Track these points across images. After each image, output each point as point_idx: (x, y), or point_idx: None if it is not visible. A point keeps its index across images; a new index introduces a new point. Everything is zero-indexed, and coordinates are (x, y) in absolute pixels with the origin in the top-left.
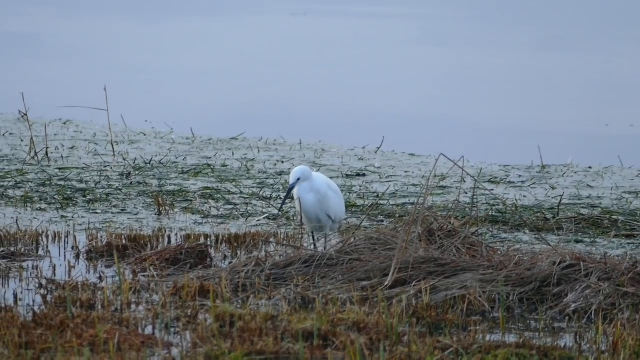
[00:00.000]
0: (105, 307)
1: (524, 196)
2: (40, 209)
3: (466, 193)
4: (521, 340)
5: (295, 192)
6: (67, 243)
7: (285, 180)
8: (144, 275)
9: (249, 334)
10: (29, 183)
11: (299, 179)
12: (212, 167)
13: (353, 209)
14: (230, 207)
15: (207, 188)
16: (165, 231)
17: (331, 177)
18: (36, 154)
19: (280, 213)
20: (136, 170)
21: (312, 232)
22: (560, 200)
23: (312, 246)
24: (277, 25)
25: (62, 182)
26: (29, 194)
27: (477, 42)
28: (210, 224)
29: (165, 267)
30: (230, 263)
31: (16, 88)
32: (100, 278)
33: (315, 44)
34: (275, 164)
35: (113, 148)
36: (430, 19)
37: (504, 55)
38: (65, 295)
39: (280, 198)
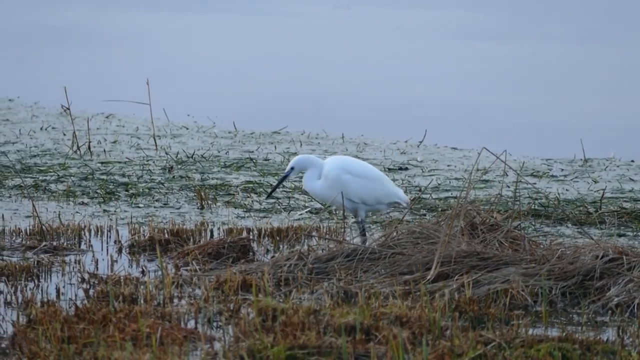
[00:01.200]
0: (148, 301)
1: (566, 190)
2: (83, 203)
3: (508, 187)
4: (564, 334)
5: (304, 182)
6: (110, 237)
7: None
8: (186, 270)
9: (291, 328)
10: (72, 177)
11: (292, 169)
12: (254, 161)
13: (395, 203)
14: (273, 201)
15: (250, 182)
16: (208, 225)
17: None
18: (78, 148)
19: (266, 200)
20: (178, 164)
21: (359, 220)
22: (603, 194)
23: (360, 235)
24: (320, 19)
25: (104, 176)
26: (71, 188)
27: (518, 35)
28: (253, 218)
29: (208, 261)
30: (272, 257)
31: (59, 82)
32: (142, 272)
33: (358, 37)
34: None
35: (155, 142)
36: (471, 11)
37: (545, 49)
38: (107, 289)
39: None
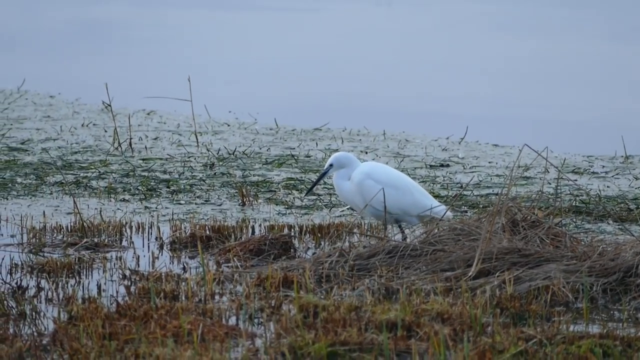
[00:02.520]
0: (189, 298)
1: (608, 186)
2: (124, 200)
3: (550, 183)
4: (605, 330)
5: (333, 178)
6: (151, 234)
7: None
8: (227, 266)
9: (332, 324)
10: (113, 174)
11: (331, 166)
12: (295, 157)
13: (437, 200)
14: (314, 197)
15: (291, 179)
16: (249, 222)
17: (415, 168)
18: (120, 144)
19: (306, 197)
20: (220, 161)
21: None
22: None
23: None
24: (361, 16)
25: (145, 173)
26: (112, 185)
27: (556, 30)
28: (294, 215)
29: (249, 258)
30: (313, 254)
31: (100, 79)
32: (183, 269)
33: (399, 34)
34: (359, 155)
35: (197, 139)
36: (513, 5)
37: (585, 45)
38: (148, 286)
39: None
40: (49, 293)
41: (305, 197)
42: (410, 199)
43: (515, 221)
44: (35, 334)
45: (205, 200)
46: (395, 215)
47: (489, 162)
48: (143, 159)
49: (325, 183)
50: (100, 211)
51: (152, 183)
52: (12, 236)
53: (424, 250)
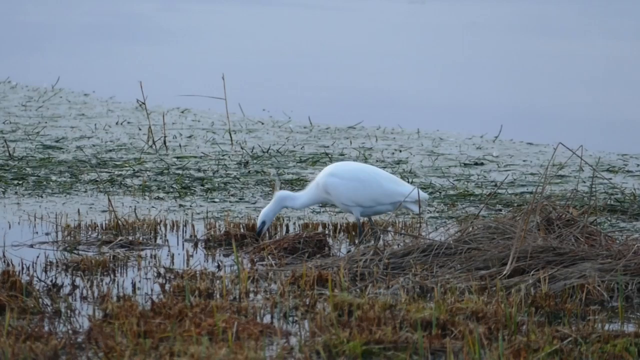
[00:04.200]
0: (224, 296)
1: None
2: (158, 198)
3: (584, 182)
4: None
5: (293, 206)
6: (185, 232)
7: (403, 169)
8: (262, 264)
9: (367, 323)
10: (147, 172)
11: (264, 222)
12: (329, 156)
13: (471, 198)
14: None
15: None
16: (283, 220)
17: (449, 166)
18: (154, 142)
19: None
20: (254, 159)
21: (355, 220)
22: None
23: (358, 234)
24: (395, 13)
25: (180, 171)
26: (147, 183)
27: (589, 30)
28: (328, 213)
29: (284, 256)
30: (348, 252)
31: (134, 77)
32: (218, 267)
33: (433, 32)
34: (393, 153)
35: (231, 137)
36: (547, 5)
37: (618, 44)
38: (183, 284)
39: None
40: (84, 291)
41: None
42: (378, 190)
43: (550, 220)
44: (70, 331)
45: (240, 199)
46: (368, 208)
47: (524, 161)
48: (177, 157)
49: None
50: (135, 209)
51: (186, 181)
52: (47, 234)
53: (458, 249)
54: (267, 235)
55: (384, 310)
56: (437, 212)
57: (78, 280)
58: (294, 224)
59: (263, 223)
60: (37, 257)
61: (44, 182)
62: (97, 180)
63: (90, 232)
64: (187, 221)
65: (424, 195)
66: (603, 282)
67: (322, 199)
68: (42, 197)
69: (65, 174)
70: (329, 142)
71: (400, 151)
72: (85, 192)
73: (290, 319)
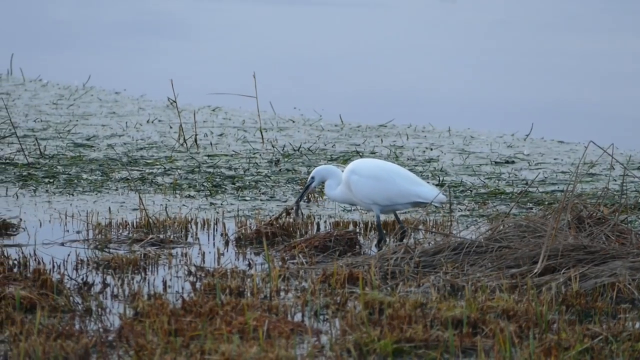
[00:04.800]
0: (254, 294)
1: None
2: (189, 196)
3: (615, 180)
4: None
5: (325, 191)
6: (216, 230)
7: (434, 168)
8: (293, 263)
9: (398, 321)
10: (178, 170)
11: (313, 179)
12: (360, 154)
13: (502, 197)
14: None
15: None
16: (314, 218)
17: (480, 164)
18: (185, 141)
19: (294, 210)
20: (285, 158)
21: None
22: None
23: (378, 234)
24: (426, 11)
25: (210, 169)
26: (178, 181)
27: (620, 27)
28: (359, 211)
29: (314, 255)
30: (379, 250)
31: (165, 75)
32: (249, 265)
33: (463, 30)
34: (424, 151)
35: (262, 135)
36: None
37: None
38: (214, 282)
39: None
40: (115, 289)
41: (295, 216)
42: (395, 189)
43: (581, 218)
44: (101, 330)
45: (271, 197)
46: (384, 206)
47: (554, 159)
48: (208, 155)
49: None
50: (166, 207)
51: (217, 179)
52: (78, 232)
53: (489, 247)
54: (300, 212)
55: (415, 309)
56: (468, 210)
57: (109, 279)
58: (325, 222)
59: (312, 179)
60: (68, 255)
61: (75, 181)
62: (128, 179)
63: (121, 231)
64: (218, 219)
65: (441, 197)
66: (634, 281)
67: (349, 196)
68: (73, 195)
69: (96, 172)
70: (360, 141)
71: (431, 149)
72: (116, 190)
73: (321, 317)
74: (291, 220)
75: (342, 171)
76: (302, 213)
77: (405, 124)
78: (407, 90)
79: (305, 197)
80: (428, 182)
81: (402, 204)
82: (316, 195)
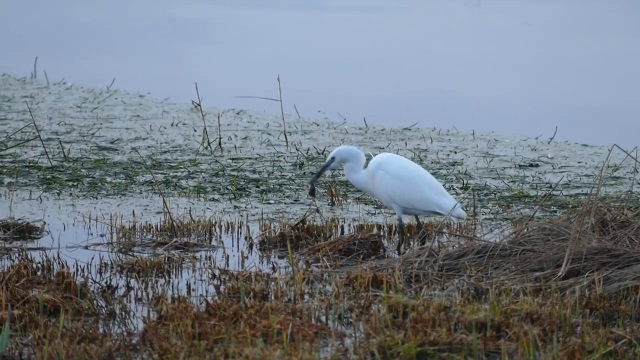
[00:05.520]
0: (279, 297)
1: None
2: (213, 200)
3: (639, 184)
4: None
5: (345, 173)
6: (240, 233)
7: (458, 171)
8: (316, 266)
9: (422, 324)
10: (202, 173)
11: (333, 159)
12: None
13: (526, 200)
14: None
15: None
16: (338, 221)
17: (504, 168)
18: (209, 144)
19: (310, 191)
20: (309, 161)
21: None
22: None
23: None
24: (450, 15)
25: (235, 173)
26: (202, 185)
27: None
28: (383, 214)
29: (338, 258)
30: (403, 253)
31: (189, 78)
32: (273, 268)
33: (488, 33)
34: (448, 155)
35: (286, 138)
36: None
37: None
38: (238, 285)
39: (453, 190)
40: (139, 292)
41: (309, 195)
42: (418, 195)
43: (605, 221)
44: (124, 333)
45: (295, 200)
46: (404, 208)
47: (578, 162)
48: (232, 159)
49: None
50: (190, 210)
51: (241, 182)
52: (101, 235)
53: (513, 250)
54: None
55: (439, 312)
56: (492, 213)
57: (133, 282)
58: (349, 225)
59: (332, 159)
60: (92, 258)
61: (99, 184)
62: (152, 182)
63: (145, 234)
64: (242, 223)
65: (460, 212)
66: None
67: (370, 187)
68: (97, 198)
69: (120, 176)
70: (384, 144)
71: (456, 152)
72: (140, 193)
73: (345, 320)
74: (314, 220)
75: (365, 156)
76: (317, 192)
77: (429, 127)
78: (431, 94)
79: (322, 176)
80: (451, 192)
81: (421, 210)
82: (340, 198)
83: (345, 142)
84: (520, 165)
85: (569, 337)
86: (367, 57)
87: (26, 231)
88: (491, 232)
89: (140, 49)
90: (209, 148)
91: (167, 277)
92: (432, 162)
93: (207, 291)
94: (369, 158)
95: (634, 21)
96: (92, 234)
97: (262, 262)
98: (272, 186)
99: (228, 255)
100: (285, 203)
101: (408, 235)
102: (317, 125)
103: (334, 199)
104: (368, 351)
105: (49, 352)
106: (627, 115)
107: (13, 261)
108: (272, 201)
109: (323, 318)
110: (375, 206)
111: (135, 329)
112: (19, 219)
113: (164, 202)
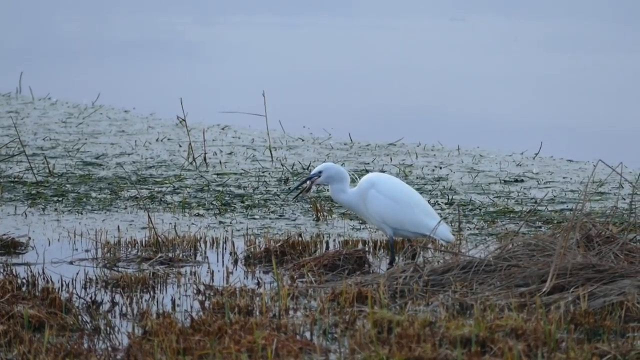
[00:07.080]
0: (263, 313)
1: None
2: (198, 215)
3: (624, 199)
4: None
5: (331, 193)
6: (225, 249)
7: (443, 187)
8: (301, 281)
9: (406, 340)
10: (187, 189)
11: (320, 173)
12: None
13: (511, 215)
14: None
15: None
16: (323, 237)
17: (489, 183)
18: (194, 159)
19: (291, 199)
20: (294, 176)
21: (388, 238)
22: None
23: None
24: (436, 31)
25: (220, 188)
26: (187, 200)
27: (624, 47)
28: (368, 230)
29: (323, 273)
30: (388, 269)
31: (174, 93)
32: (258, 284)
33: (473, 50)
34: (434, 170)
35: (271, 153)
36: (592, 21)
37: None
38: (223, 301)
39: (438, 205)
40: (123, 308)
41: (293, 200)
42: (409, 216)
43: (590, 237)
44: (109, 348)
45: (280, 215)
46: (394, 229)
47: (563, 178)
48: (217, 174)
49: None
50: (175, 226)
51: (226, 198)
52: (86, 251)
53: (498, 266)
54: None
55: (424, 327)
56: (477, 229)
57: (117, 297)
58: (334, 241)
59: (319, 173)
60: (77, 273)
61: (84, 199)
62: (137, 197)
63: (129, 249)
64: (227, 238)
65: (448, 235)
66: None
67: (360, 207)
68: (81, 213)
69: (105, 191)
70: (370, 159)
71: (441, 168)
72: (125, 208)
73: (330, 336)
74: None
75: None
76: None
77: (414, 143)
78: (416, 109)
79: (304, 187)
80: (436, 208)
81: (410, 232)
82: (325, 214)
83: (330, 157)
84: (505, 181)
85: (554, 353)
86: (353, 72)
87: (11, 246)
88: (476, 248)
89: (125, 64)
90: (194, 163)
91: (152, 293)
92: (417, 178)
93: (192, 307)
94: (352, 177)
95: (620, 37)
96: (77, 250)
97: (247, 278)
98: (257, 201)
99: (213, 271)
100: (270, 218)
101: (394, 251)
102: (302, 140)
103: (319, 215)
104: None
105: None
106: (612, 131)
107: None
108: (257, 216)
109: (308, 334)
110: (360, 221)
111: (120, 344)
112: (4, 235)
113: (149, 217)
